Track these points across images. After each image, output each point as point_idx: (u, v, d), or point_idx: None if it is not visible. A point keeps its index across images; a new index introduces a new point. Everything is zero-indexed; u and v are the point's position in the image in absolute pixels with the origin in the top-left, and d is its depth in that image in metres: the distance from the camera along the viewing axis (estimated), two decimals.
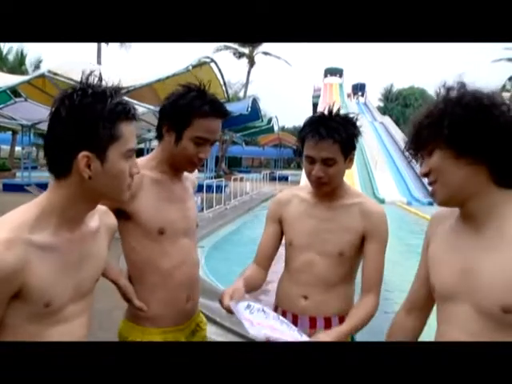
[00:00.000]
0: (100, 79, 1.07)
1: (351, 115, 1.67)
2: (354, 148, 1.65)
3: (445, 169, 1.06)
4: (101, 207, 1.21)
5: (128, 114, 1.06)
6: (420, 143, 1.11)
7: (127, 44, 29.03)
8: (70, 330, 1.10)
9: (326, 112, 1.64)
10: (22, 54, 26.75)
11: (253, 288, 1.69)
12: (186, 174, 1.73)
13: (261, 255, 1.81)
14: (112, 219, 1.29)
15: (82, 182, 1.04)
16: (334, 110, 1.63)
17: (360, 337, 1.72)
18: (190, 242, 1.68)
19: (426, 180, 1.13)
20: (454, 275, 1.08)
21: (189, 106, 1.52)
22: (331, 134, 1.56)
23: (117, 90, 1.06)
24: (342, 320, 1.62)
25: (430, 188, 1.14)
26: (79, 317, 1.14)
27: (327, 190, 1.67)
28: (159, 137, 1.61)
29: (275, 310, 1.76)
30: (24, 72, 24.59)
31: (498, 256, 0.99)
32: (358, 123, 1.67)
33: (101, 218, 1.21)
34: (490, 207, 1.04)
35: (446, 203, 1.11)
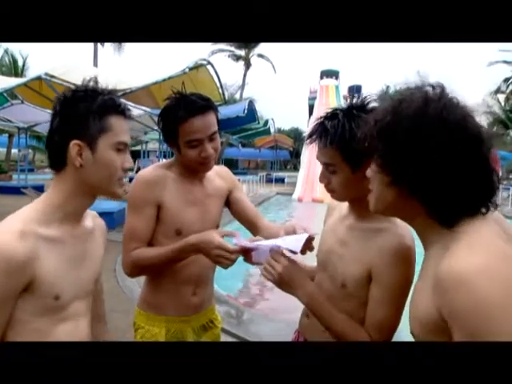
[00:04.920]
0: (96, 82, 1.16)
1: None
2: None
3: (377, 188, 1.03)
4: (91, 212, 1.28)
5: (117, 108, 1.14)
6: (361, 149, 1.06)
7: (121, 47, 28.92)
8: (76, 327, 1.16)
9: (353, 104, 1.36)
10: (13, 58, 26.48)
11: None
12: (218, 171, 1.83)
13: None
14: (102, 222, 1.33)
15: (75, 172, 1.11)
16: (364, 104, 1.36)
17: None
18: None
19: None
20: None
21: (169, 119, 1.61)
22: (323, 136, 1.31)
23: (110, 91, 1.15)
24: None
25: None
26: (84, 316, 1.19)
27: (337, 198, 1.41)
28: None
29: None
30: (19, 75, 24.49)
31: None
32: None
33: (93, 220, 1.27)
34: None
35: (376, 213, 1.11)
